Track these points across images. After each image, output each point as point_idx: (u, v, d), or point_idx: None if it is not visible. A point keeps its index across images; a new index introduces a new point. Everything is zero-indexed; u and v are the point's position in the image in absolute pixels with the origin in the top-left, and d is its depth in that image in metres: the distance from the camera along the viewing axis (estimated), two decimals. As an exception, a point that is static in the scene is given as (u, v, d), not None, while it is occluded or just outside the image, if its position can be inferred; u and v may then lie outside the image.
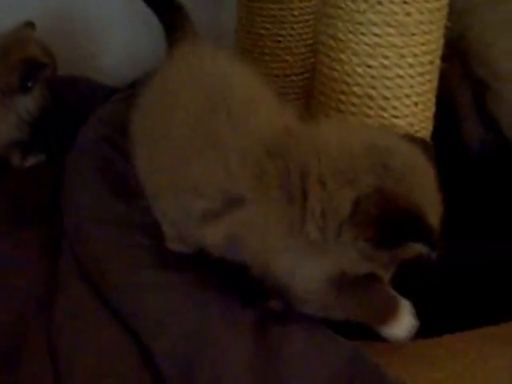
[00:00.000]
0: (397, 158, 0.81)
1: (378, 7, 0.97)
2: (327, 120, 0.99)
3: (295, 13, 1.32)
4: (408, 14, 0.98)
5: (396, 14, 0.98)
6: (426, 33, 1.00)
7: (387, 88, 1.00)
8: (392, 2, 0.97)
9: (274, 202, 0.83)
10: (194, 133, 0.88)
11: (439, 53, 1.04)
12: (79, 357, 0.91)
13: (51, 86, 1.33)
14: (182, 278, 0.97)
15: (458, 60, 1.28)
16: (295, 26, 1.32)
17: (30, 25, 1.34)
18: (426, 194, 0.81)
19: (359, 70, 1.00)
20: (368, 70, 1.00)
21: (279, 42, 1.32)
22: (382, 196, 0.79)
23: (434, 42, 1.02)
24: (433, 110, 1.07)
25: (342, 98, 1.03)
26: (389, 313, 0.90)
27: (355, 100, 1.02)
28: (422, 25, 0.99)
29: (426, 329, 1.00)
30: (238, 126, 0.86)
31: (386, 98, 1.01)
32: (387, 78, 1.00)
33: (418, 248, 0.80)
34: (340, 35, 1.01)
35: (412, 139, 0.88)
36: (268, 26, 1.34)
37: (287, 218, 0.82)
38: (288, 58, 1.30)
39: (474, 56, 1.24)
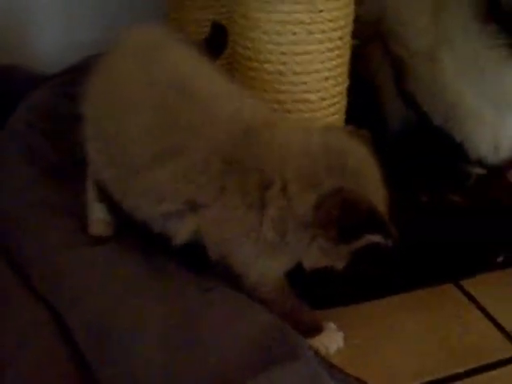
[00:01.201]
0: (351, 158, 0.85)
1: (286, -15, 1.00)
2: (283, 119, 1.01)
3: (223, -1, 1.35)
4: (315, -8, 1.01)
5: (303, -9, 1.01)
6: (333, 9, 1.02)
7: (297, 64, 1.03)
8: (299, -20, 1.00)
9: (235, 208, 0.86)
10: (154, 138, 0.88)
11: (349, 29, 1.07)
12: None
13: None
14: (101, 255, 0.99)
15: (379, 40, 1.31)
16: (223, 9, 1.35)
17: None
18: (375, 188, 0.87)
19: (269, 47, 1.03)
20: (278, 47, 1.02)
21: (205, 26, 1.34)
22: (342, 197, 0.83)
23: (343, 18, 1.04)
24: (345, 84, 1.09)
25: (255, 75, 1.05)
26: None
27: (267, 76, 1.04)
28: (329, 1, 1.01)
29: (344, 297, 1.04)
30: (199, 132, 0.87)
31: (296, 74, 1.03)
32: (297, 54, 1.02)
33: (374, 238, 0.85)
34: (250, 14, 1.03)
35: (355, 133, 0.92)
36: (197, 12, 1.36)
37: (246, 222, 0.86)
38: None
39: (392, 35, 1.28)
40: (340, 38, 1.05)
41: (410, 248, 1.06)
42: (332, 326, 0.97)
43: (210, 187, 0.86)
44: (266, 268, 0.89)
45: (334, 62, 1.05)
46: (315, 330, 0.95)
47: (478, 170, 1.28)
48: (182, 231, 0.90)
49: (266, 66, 1.04)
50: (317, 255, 0.87)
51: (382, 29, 1.30)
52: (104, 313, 0.89)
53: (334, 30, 1.03)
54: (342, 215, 0.83)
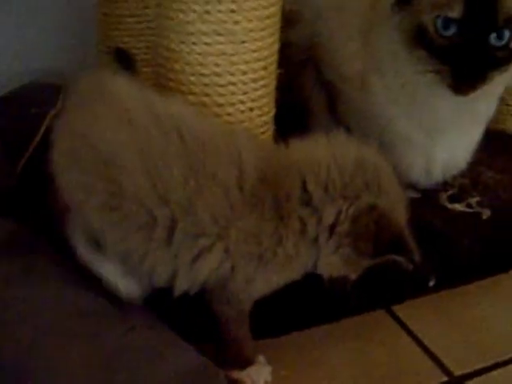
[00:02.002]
0: (383, 175, 0.90)
1: (207, 17, 0.99)
2: (314, 136, 0.99)
3: (151, 25, 1.33)
4: (236, 23, 1.00)
5: (224, 22, 1.00)
6: (256, 40, 1.02)
7: (221, 95, 1.02)
8: (220, 12, 0.99)
9: (268, 220, 0.87)
10: (189, 176, 0.87)
11: (274, 58, 1.07)
12: None
13: None
14: (24, 290, 0.97)
15: (312, 65, 1.31)
16: (152, 38, 1.34)
17: None
18: (401, 206, 0.91)
19: (192, 79, 1.02)
20: (201, 78, 1.02)
21: (136, 54, 1.33)
22: (378, 214, 0.87)
23: (267, 48, 1.04)
24: (271, 114, 1.09)
25: (179, 107, 1.04)
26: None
27: (191, 108, 1.03)
28: (251, 32, 1.01)
29: (273, 327, 1.03)
30: (225, 160, 0.88)
31: (220, 105, 1.03)
32: (220, 86, 1.02)
33: (397, 258, 0.89)
34: (173, 46, 1.02)
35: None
36: (125, 39, 1.36)
37: (276, 234, 0.88)
38: (146, 69, 1.31)
39: (324, 60, 1.28)
40: (264, 68, 1.05)
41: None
42: (261, 359, 0.97)
43: (245, 208, 0.87)
44: (266, 283, 0.90)
45: (258, 93, 1.04)
46: (248, 362, 0.95)
47: (412, 194, 1.29)
48: (208, 264, 0.88)
49: (189, 97, 1.02)
50: (337, 263, 0.90)
51: (314, 54, 1.30)
52: (21, 354, 0.87)
53: (258, 60, 1.03)
54: (378, 231, 0.86)
